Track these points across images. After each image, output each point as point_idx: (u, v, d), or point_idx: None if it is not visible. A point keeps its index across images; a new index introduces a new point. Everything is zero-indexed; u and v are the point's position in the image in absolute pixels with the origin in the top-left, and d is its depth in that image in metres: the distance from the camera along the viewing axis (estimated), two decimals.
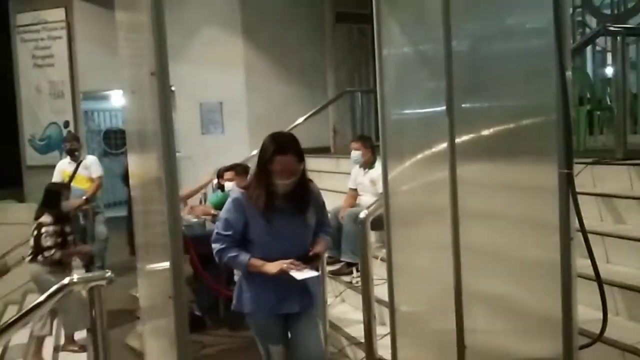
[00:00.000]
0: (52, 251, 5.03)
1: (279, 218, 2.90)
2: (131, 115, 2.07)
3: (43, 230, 5.07)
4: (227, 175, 5.64)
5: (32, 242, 5.18)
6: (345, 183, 5.69)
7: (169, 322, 1.51)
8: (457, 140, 2.57)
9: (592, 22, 6.90)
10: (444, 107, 2.60)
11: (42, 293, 5.09)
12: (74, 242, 5.38)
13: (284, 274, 2.80)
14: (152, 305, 1.88)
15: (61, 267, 5.13)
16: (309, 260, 2.94)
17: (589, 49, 6.50)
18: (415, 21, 2.90)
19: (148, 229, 1.85)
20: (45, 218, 5.13)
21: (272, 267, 2.82)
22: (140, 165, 1.95)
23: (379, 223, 3.41)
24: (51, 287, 5.02)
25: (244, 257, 2.86)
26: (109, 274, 2.60)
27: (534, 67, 2.18)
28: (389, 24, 3.05)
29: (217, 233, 2.94)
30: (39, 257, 5.06)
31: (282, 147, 2.89)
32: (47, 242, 5.04)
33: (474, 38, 2.53)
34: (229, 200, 3.00)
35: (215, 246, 2.95)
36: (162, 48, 1.46)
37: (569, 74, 2.00)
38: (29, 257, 5.19)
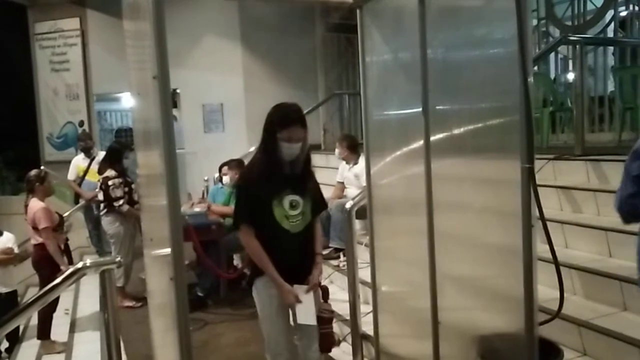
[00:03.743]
0: (122, 201, 5.05)
1: None
2: (137, 115, 2.06)
3: (110, 183, 5.10)
4: (223, 170, 5.66)
5: (101, 196, 5.20)
6: (334, 177, 5.70)
7: (171, 301, 1.51)
8: (432, 138, 2.59)
9: (556, 32, 6.92)
10: (420, 109, 2.61)
11: (115, 244, 5.25)
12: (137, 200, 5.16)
13: None
14: (157, 287, 1.89)
15: (128, 219, 5.16)
16: None
17: (552, 56, 6.54)
18: (394, 31, 2.91)
19: (153, 219, 1.85)
20: (110, 172, 5.15)
21: None
22: (145, 161, 1.95)
23: (363, 212, 3.43)
24: (121, 238, 5.15)
25: None
26: (118, 258, 2.60)
27: (500, 73, 2.20)
28: (371, 33, 3.05)
29: None
30: (111, 208, 5.14)
31: None
32: (115, 193, 5.08)
33: (447, 47, 2.54)
34: None
35: None
36: (163, 53, 1.45)
37: (530, 79, 2.02)
38: (104, 211, 5.24)
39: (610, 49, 6.10)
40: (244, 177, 2.81)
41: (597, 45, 5.68)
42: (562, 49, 6.30)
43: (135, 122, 2.27)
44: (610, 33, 6.47)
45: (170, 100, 1.50)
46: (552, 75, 6.71)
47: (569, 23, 6.53)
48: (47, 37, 9.45)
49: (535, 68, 6.13)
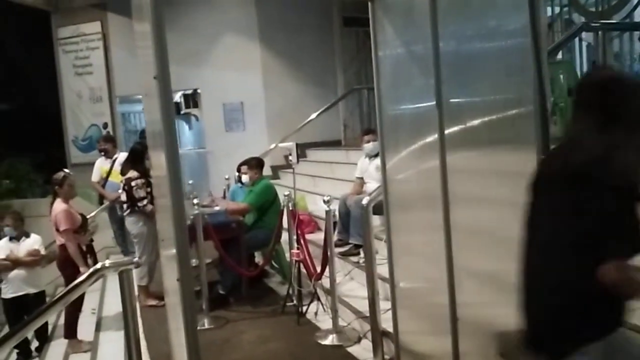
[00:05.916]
0: (145, 201, 5.11)
1: None
2: (147, 118, 2.08)
3: (133, 183, 5.15)
4: (243, 169, 5.66)
5: (124, 197, 5.26)
6: (354, 173, 5.64)
7: (178, 302, 1.52)
8: (446, 131, 2.55)
9: (581, 20, 6.74)
10: (433, 102, 2.58)
11: (139, 244, 5.25)
12: None
13: None
14: (169, 287, 1.90)
15: (152, 219, 5.10)
16: None
17: (577, 44, 6.36)
18: (406, 24, 2.87)
19: (163, 220, 1.86)
20: (132, 173, 5.21)
21: None
22: (156, 162, 1.96)
23: (381, 208, 3.39)
24: (145, 238, 5.14)
25: None
26: (136, 259, 2.63)
27: (514, 63, 2.15)
28: (384, 27, 3.02)
29: None
30: (135, 208, 5.16)
31: None
32: (139, 193, 5.14)
33: (460, 38, 2.49)
34: None
35: None
36: (163, 53, 1.45)
37: (544, 68, 1.97)
38: (127, 212, 5.28)
39: (637, 34, 5.91)
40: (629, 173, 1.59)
41: (622, 30, 5.50)
42: (588, 36, 6.12)
43: (147, 124, 2.28)
44: (637, 18, 6.28)
45: (171, 99, 1.50)
46: (577, 64, 6.53)
47: (593, 9, 6.35)
48: (70, 41, 9.64)
49: (560, 56, 5.98)
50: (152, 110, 1.70)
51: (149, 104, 1.70)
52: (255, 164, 5.52)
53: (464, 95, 2.48)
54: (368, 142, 5.30)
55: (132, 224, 5.26)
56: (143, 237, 5.20)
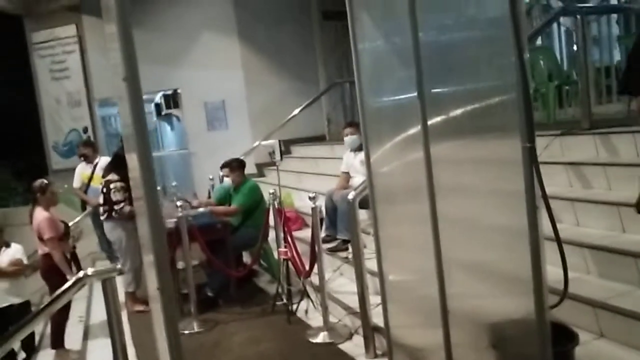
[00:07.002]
0: (122, 204, 4.98)
1: None
2: (122, 121, 2.03)
3: (112, 186, 5.03)
4: (224, 171, 5.59)
5: (102, 200, 5.14)
6: (340, 167, 5.60)
7: (159, 311, 1.47)
8: (429, 122, 2.51)
9: (558, 5, 6.76)
10: (415, 93, 2.54)
11: (119, 250, 5.09)
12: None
13: None
14: (152, 294, 1.85)
15: (132, 222, 5.01)
16: None
17: (555, 29, 6.38)
18: (384, 15, 2.83)
19: (142, 224, 1.80)
20: (113, 176, 5.09)
21: None
22: (132, 166, 1.91)
23: (368, 202, 3.35)
24: (124, 243, 4.99)
25: None
26: (119, 266, 2.58)
27: (495, 51, 2.12)
28: (362, 19, 2.98)
29: None
30: (113, 213, 5.03)
31: None
32: (116, 196, 5.01)
33: (439, 28, 2.46)
34: None
35: None
36: (131, 54, 1.39)
37: (526, 55, 1.94)
38: (104, 216, 5.14)
39: (615, 17, 5.94)
40: None
41: (599, 14, 5.52)
42: (566, 21, 6.14)
43: (122, 127, 2.22)
44: (613, 1, 6.31)
45: (142, 102, 1.44)
46: (557, 49, 6.55)
47: None
48: (45, 46, 9.46)
49: (539, 42, 5.98)
50: (125, 113, 1.65)
51: (122, 106, 1.64)
52: (237, 165, 5.46)
53: (445, 85, 2.45)
54: (347, 135, 5.29)
55: (110, 230, 5.13)
56: (122, 243, 5.05)
